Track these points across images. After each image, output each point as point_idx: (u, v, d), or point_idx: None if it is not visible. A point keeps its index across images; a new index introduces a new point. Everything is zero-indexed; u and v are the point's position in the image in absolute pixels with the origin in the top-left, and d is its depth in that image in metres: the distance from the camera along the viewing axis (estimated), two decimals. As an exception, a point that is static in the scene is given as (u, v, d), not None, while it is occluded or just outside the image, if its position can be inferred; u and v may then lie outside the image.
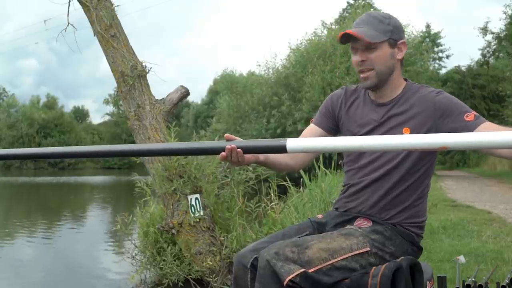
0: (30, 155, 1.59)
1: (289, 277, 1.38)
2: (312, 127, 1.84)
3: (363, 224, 1.65)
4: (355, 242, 1.54)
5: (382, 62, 1.63)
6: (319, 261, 1.45)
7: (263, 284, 1.43)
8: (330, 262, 1.46)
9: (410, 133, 1.61)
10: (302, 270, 1.40)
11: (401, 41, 1.66)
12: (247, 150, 1.38)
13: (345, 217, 1.72)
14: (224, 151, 1.39)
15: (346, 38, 1.64)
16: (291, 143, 1.26)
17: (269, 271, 1.42)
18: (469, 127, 1.53)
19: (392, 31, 1.63)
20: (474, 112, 1.57)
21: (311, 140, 1.28)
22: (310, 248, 1.47)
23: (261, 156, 1.59)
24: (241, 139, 1.43)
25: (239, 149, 1.38)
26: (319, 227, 1.75)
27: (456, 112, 1.58)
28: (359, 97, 1.77)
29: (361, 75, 1.66)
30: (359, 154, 1.71)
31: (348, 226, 1.66)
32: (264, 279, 1.42)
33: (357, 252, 1.52)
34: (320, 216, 1.83)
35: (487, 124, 1.54)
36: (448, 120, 1.58)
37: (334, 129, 1.82)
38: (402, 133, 1.62)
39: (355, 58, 1.66)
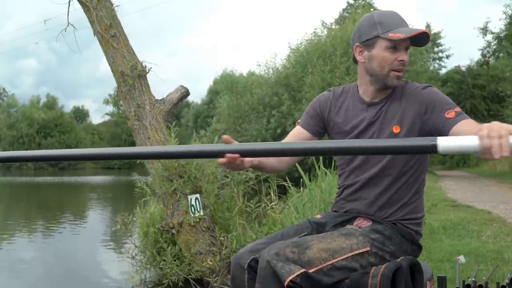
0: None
1: (290, 278, 1.38)
2: (298, 129, 1.81)
3: (363, 223, 1.66)
4: (355, 242, 1.54)
5: None
6: (319, 261, 1.45)
7: (263, 285, 1.43)
8: (330, 262, 1.46)
9: (400, 130, 1.62)
10: (303, 270, 1.40)
11: None
12: (392, 150, 1.28)
13: (345, 217, 1.72)
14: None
15: (406, 38, 1.58)
16: (443, 142, 1.16)
17: (269, 272, 1.42)
18: (448, 125, 1.52)
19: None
20: (456, 109, 1.54)
21: (465, 139, 1.18)
22: (310, 248, 1.47)
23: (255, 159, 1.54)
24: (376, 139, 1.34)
25: None
26: (318, 227, 1.74)
27: (438, 108, 1.57)
28: (348, 98, 1.76)
29: (396, 74, 1.62)
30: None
31: (348, 226, 1.66)
32: (265, 280, 1.42)
33: (357, 252, 1.52)
34: (319, 216, 1.82)
35: (466, 122, 1.50)
36: (430, 116, 1.58)
37: (321, 132, 1.80)
38: (392, 131, 1.63)
39: (403, 57, 1.61)
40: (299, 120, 1.85)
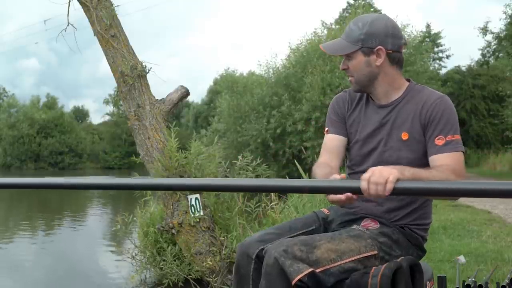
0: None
1: (298, 277, 1.38)
2: (331, 137, 1.77)
3: (370, 225, 1.65)
4: (363, 244, 1.54)
5: (358, 70, 1.64)
6: (327, 262, 1.45)
7: (270, 281, 1.43)
8: (338, 263, 1.47)
9: (408, 138, 1.62)
10: (311, 269, 1.41)
11: (378, 47, 1.59)
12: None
13: (352, 216, 1.71)
14: None
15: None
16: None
17: (276, 269, 1.42)
18: (431, 151, 1.56)
19: (364, 39, 1.59)
20: (448, 137, 1.54)
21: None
22: (318, 248, 1.47)
23: None
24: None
25: None
26: (325, 224, 1.74)
27: (435, 128, 1.57)
28: (363, 99, 1.76)
29: (349, 80, 1.71)
30: (363, 157, 1.70)
31: (355, 226, 1.65)
32: (272, 277, 1.42)
33: (365, 255, 1.52)
34: (326, 211, 1.81)
35: (443, 156, 1.53)
36: (427, 131, 1.59)
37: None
38: (401, 138, 1.63)
39: (341, 66, 1.72)
40: (327, 129, 1.80)
